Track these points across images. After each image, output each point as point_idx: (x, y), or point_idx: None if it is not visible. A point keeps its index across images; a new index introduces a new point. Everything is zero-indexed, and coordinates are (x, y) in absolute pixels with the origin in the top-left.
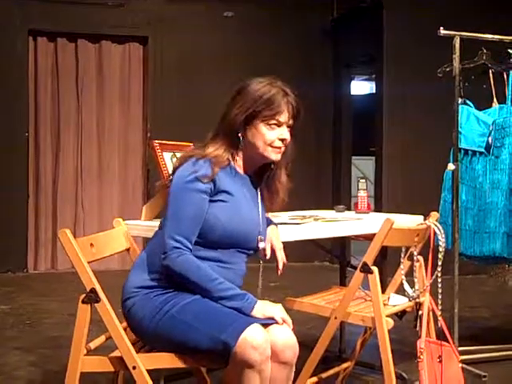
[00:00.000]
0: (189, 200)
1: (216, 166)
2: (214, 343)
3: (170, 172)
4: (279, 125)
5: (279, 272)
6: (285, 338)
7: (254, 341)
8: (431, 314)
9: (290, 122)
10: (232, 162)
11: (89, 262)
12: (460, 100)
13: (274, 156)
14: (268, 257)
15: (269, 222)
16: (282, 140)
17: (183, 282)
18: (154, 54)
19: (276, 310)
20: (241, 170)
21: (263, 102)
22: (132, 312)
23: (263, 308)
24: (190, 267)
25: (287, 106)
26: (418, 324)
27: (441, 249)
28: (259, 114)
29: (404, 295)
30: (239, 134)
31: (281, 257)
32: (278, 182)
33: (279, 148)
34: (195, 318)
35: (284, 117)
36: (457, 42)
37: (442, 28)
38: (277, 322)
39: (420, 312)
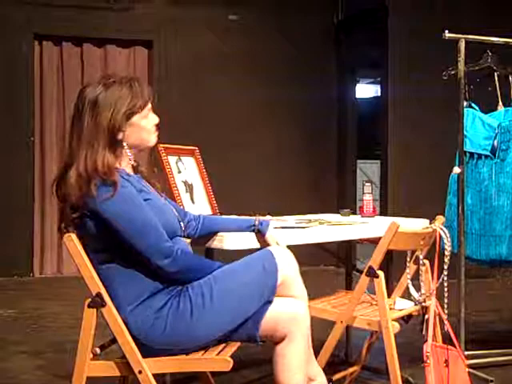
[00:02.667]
0: (141, 207)
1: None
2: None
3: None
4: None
5: None
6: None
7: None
8: (437, 317)
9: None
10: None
11: None
12: (465, 103)
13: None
14: None
15: (263, 222)
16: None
17: (191, 274)
18: (158, 58)
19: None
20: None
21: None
22: (168, 332)
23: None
24: (192, 257)
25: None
26: (424, 328)
27: (447, 252)
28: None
29: (410, 299)
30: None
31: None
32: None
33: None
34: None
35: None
36: (462, 45)
37: (447, 31)
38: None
39: (426, 316)
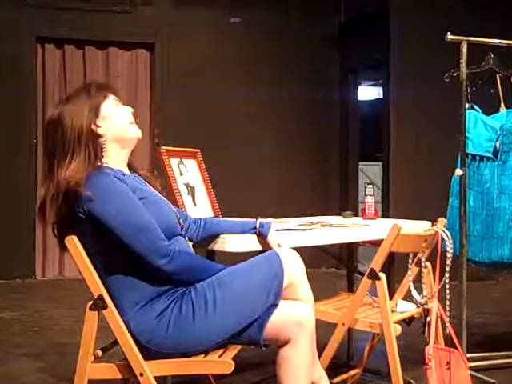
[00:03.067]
0: (136, 206)
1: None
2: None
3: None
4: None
5: None
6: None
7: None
8: (439, 320)
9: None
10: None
11: None
12: (467, 105)
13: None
14: None
15: (264, 224)
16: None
17: (191, 275)
18: (160, 61)
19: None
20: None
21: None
22: (170, 336)
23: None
24: (193, 257)
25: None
26: (426, 330)
27: (448, 255)
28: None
29: (412, 301)
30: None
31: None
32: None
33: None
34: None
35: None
36: (464, 47)
37: (449, 33)
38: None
39: (428, 318)
